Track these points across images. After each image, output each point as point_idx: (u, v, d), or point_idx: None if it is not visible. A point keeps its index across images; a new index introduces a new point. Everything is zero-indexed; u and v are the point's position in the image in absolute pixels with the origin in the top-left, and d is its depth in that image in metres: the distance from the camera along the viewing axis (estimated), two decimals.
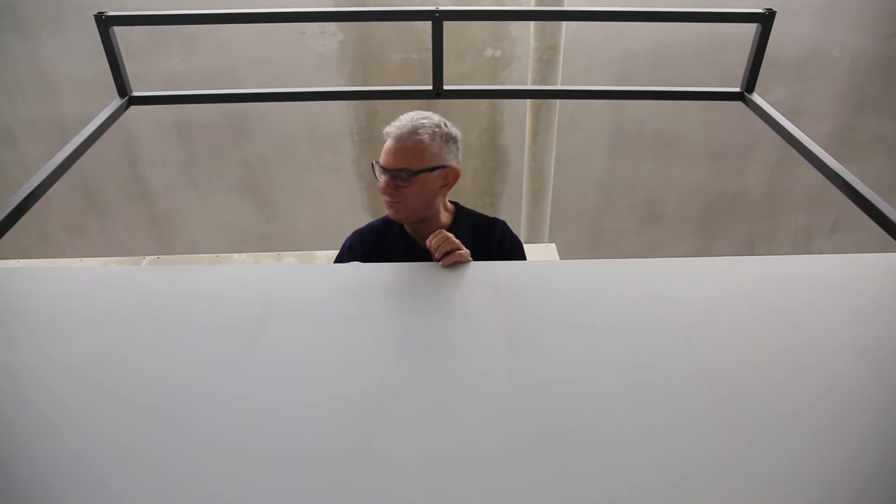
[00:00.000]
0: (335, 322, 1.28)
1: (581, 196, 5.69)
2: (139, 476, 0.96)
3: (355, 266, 1.52)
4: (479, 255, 1.56)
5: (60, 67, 4.85)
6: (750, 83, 2.35)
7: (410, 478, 0.96)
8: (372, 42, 4.83)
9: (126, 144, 5.24)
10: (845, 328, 1.25)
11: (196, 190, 5.53)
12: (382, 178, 1.65)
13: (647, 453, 0.99)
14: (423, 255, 1.68)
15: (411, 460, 0.98)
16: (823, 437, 1.01)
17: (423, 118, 1.68)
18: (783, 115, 2.21)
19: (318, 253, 3.83)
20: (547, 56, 4.00)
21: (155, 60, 4.80)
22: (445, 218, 1.79)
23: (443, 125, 1.69)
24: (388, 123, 1.72)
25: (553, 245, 3.60)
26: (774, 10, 2.20)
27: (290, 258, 3.80)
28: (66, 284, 1.42)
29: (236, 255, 3.81)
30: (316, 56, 4.86)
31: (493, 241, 1.81)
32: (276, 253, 3.77)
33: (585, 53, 4.79)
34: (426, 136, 1.63)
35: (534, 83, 4.14)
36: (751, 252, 6.11)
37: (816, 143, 2.06)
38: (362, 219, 5.58)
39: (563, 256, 3.59)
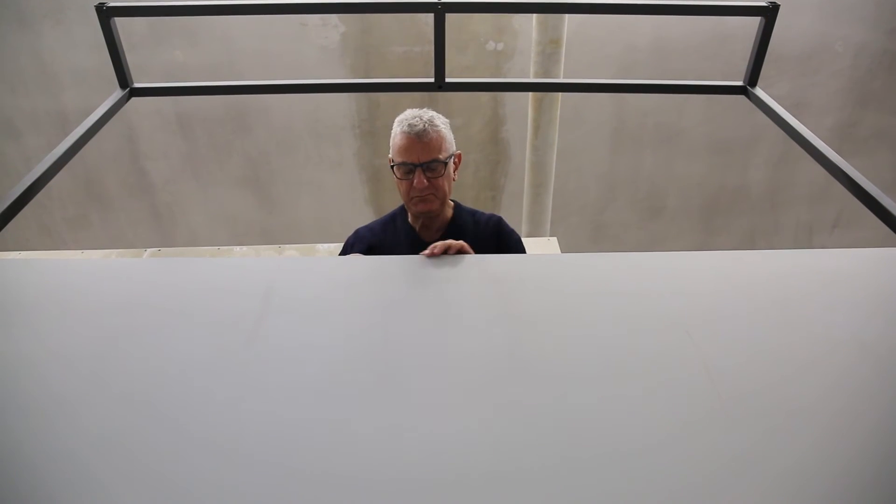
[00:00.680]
0: (337, 315, 1.28)
1: (583, 190, 5.69)
2: (136, 471, 0.96)
3: (357, 259, 1.52)
4: (479, 251, 1.57)
5: (62, 59, 4.85)
6: (753, 77, 2.35)
7: (412, 473, 0.96)
8: (374, 34, 4.82)
9: (127, 136, 5.23)
10: (847, 323, 1.25)
11: (197, 182, 5.53)
12: (414, 175, 1.69)
13: (648, 448, 0.99)
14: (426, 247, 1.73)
15: (412, 455, 0.99)
16: (828, 434, 1.01)
17: (431, 113, 1.75)
18: (786, 109, 2.21)
19: (319, 246, 3.83)
20: (549, 49, 3.99)
21: (156, 52, 4.79)
22: (448, 212, 1.85)
23: (441, 117, 1.78)
24: (395, 120, 1.76)
25: (554, 239, 3.59)
26: (778, 3, 2.19)
27: (291, 251, 3.80)
28: (66, 276, 1.42)
29: (237, 248, 3.81)
30: (317, 48, 4.85)
31: (491, 236, 1.84)
32: (278, 246, 3.77)
33: (588, 47, 4.78)
34: (442, 127, 1.73)
35: (536, 76, 4.13)
36: (752, 247, 6.10)
37: (819, 137, 2.05)
38: (364, 212, 5.59)
39: (564, 250, 3.59)
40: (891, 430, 1.02)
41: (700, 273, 1.40)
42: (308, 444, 0.99)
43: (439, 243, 1.46)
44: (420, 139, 1.68)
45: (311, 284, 1.38)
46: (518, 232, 1.99)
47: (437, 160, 1.69)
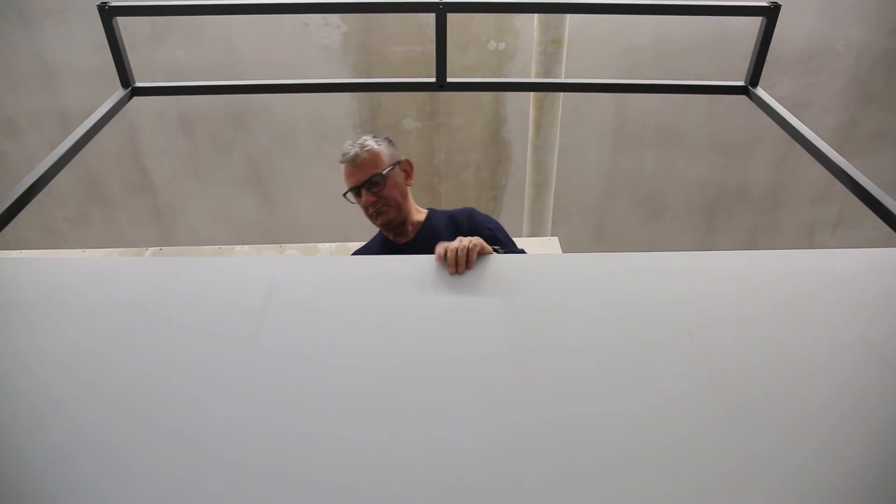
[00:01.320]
0: (338, 314, 1.28)
1: (584, 190, 5.68)
2: (133, 474, 0.95)
3: (358, 259, 1.52)
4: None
5: (63, 58, 4.85)
6: (754, 77, 2.34)
7: (413, 471, 0.96)
8: (375, 34, 4.81)
9: (129, 136, 5.23)
10: (851, 324, 1.25)
11: (199, 181, 5.52)
12: (361, 196, 1.87)
13: (650, 448, 0.99)
14: (403, 251, 1.88)
15: (413, 453, 0.98)
16: (833, 436, 1.01)
17: (363, 137, 1.93)
18: (787, 109, 2.20)
19: (320, 245, 3.83)
20: (550, 49, 3.98)
21: (158, 52, 4.79)
22: (419, 216, 1.98)
23: (377, 136, 1.95)
24: (344, 147, 1.96)
25: (556, 239, 3.59)
26: (780, 3, 2.19)
27: (292, 250, 3.80)
28: (68, 275, 1.42)
29: (239, 247, 3.81)
30: (319, 48, 4.85)
31: (467, 228, 1.88)
32: (279, 245, 3.77)
33: (589, 47, 4.77)
34: (374, 145, 1.90)
35: (537, 76, 4.13)
36: (753, 247, 6.09)
37: (820, 137, 2.05)
38: None
39: (565, 250, 3.58)
40: None
41: (702, 273, 1.40)
42: (307, 450, 0.99)
43: (450, 248, 1.41)
44: (354, 163, 1.87)
45: (312, 284, 1.38)
46: (519, 232, 2.00)
47: (375, 174, 1.85)
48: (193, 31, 4.76)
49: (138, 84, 2.33)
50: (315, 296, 1.33)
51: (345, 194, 1.91)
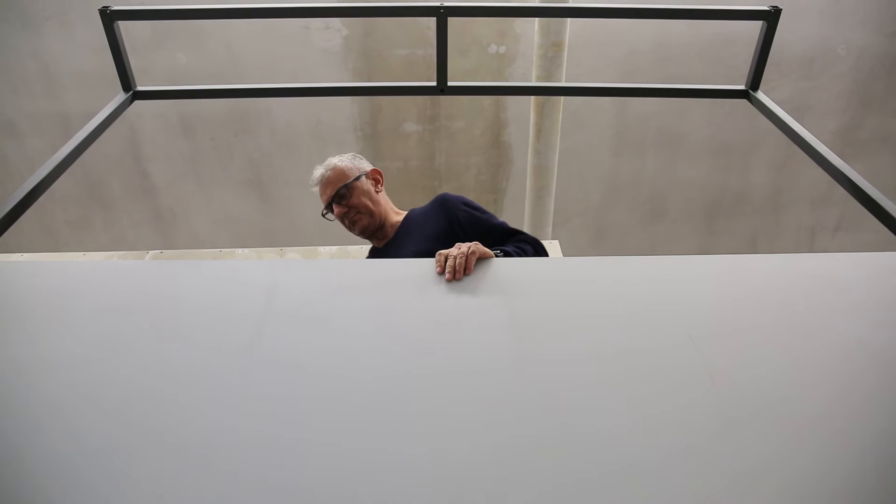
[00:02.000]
0: (338, 317, 1.28)
1: (584, 193, 5.68)
2: (130, 480, 0.95)
3: (358, 262, 1.52)
4: (431, 231, 1.79)
5: (65, 61, 4.85)
6: (755, 81, 2.35)
7: (413, 475, 0.96)
8: (376, 38, 4.82)
9: (130, 139, 5.24)
10: (853, 328, 1.24)
11: (199, 185, 5.53)
12: (334, 211, 1.98)
13: (652, 457, 0.98)
14: (387, 253, 1.99)
15: (414, 457, 0.98)
16: (835, 442, 1.00)
17: (328, 159, 2.05)
18: (788, 112, 2.20)
19: (321, 248, 3.83)
20: (551, 53, 3.99)
21: (159, 55, 4.80)
22: (398, 217, 2.06)
23: (340, 156, 2.06)
24: (322, 162, 2.05)
25: (556, 242, 3.59)
26: (780, 7, 2.19)
27: (293, 253, 3.80)
28: (69, 278, 1.42)
29: (239, 251, 3.81)
30: (320, 51, 4.85)
31: (437, 213, 1.91)
32: (280, 248, 3.77)
33: (590, 51, 4.78)
34: (338, 162, 2.02)
35: (538, 80, 4.13)
36: (753, 250, 6.09)
37: (821, 141, 2.05)
38: None
39: (566, 253, 3.58)
40: None
41: (702, 277, 1.40)
42: (304, 458, 0.98)
43: (449, 256, 1.42)
44: (321, 183, 1.99)
45: (312, 287, 1.38)
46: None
47: (340, 188, 1.96)
48: (194, 34, 4.77)
49: (139, 88, 2.33)
50: (315, 301, 1.33)
51: (323, 214, 2.03)
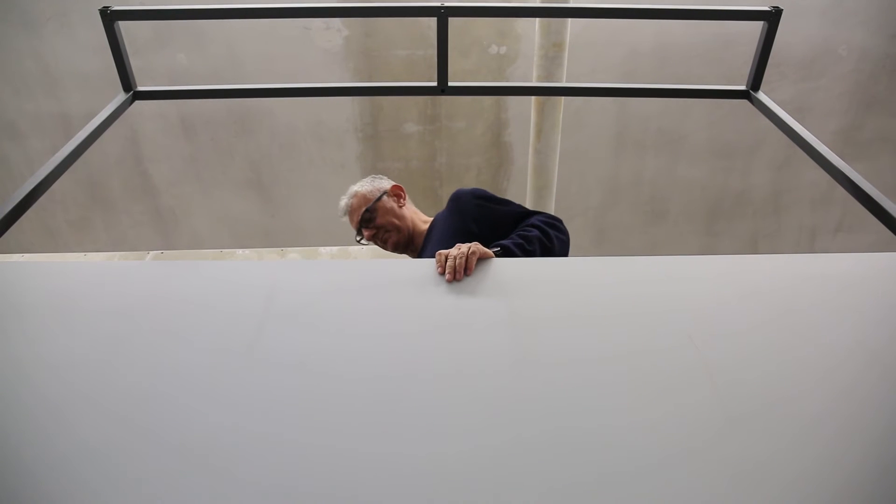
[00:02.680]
0: (339, 318, 1.28)
1: (585, 193, 5.68)
2: (130, 482, 0.95)
3: (358, 262, 1.52)
4: (460, 229, 1.78)
5: (65, 62, 4.85)
6: (756, 81, 2.35)
7: (413, 476, 0.96)
8: (377, 38, 4.82)
9: (130, 139, 5.24)
10: (853, 329, 1.24)
11: (200, 185, 5.53)
12: (365, 235, 2.06)
13: (653, 459, 0.98)
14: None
15: (414, 458, 0.98)
16: (835, 443, 1.00)
17: (349, 189, 2.13)
18: (789, 113, 2.20)
19: (322, 249, 3.83)
20: (552, 53, 3.98)
21: (160, 55, 4.80)
22: (425, 227, 2.10)
23: (361, 182, 2.15)
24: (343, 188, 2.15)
25: None
26: (781, 7, 2.19)
27: (293, 254, 3.80)
28: (69, 278, 1.42)
29: (240, 251, 3.82)
30: (320, 52, 4.85)
31: (454, 212, 1.89)
32: (280, 249, 3.77)
33: (591, 51, 4.78)
34: (358, 188, 2.11)
35: (539, 80, 4.13)
36: (754, 251, 6.09)
37: (822, 141, 2.05)
38: None
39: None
40: None
41: (703, 278, 1.40)
42: (304, 460, 0.98)
43: (449, 256, 1.42)
44: (347, 212, 2.09)
45: (313, 287, 1.37)
46: None
47: (365, 212, 2.03)
48: (195, 35, 4.77)
49: (140, 88, 2.34)
50: (315, 301, 1.33)
51: (358, 241, 2.10)
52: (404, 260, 1.53)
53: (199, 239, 5.81)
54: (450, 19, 2.22)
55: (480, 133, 5.29)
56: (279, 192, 5.58)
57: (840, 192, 2.01)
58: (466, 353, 1.19)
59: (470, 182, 5.49)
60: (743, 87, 2.39)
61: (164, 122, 5.16)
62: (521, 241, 1.68)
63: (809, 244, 6.06)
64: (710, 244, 6.02)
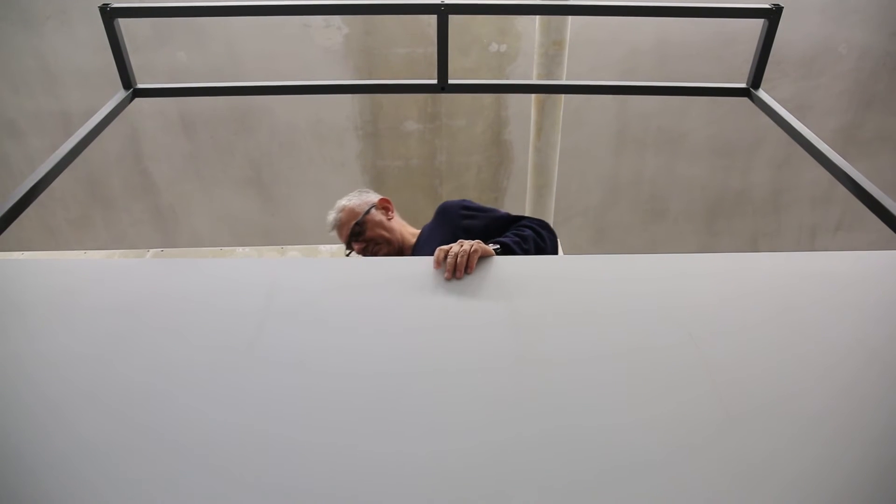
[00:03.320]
0: (339, 316, 1.28)
1: (585, 192, 5.68)
2: (129, 480, 0.95)
3: (358, 260, 1.52)
4: (450, 241, 1.70)
5: (65, 59, 4.85)
6: (756, 79, 2.34)
7: (414, 474, 0.96)
8: (377, 36, 4.82)
9: (130, 137, 5.24)
10: (853, 327, 1.24)
11: (200, 183, 5.53)
12: (355, 248, 2.07)
13: (653, 457, 0.98)
14: None
15: (414, 455, 0.98)
16: (836, 441, 1.00)
17: (337, 202, 2.14)
18: (789, 111, 2.20)
19: (321, 247, 3.83)
20: (552, 51, 3.98)
21: (159, 53, 4.80)
22: (413, 239, 2.13)
23: (348, 196, 2.16)
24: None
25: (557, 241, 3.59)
26: (782, 5, 2.19)
27: (293, 252, 3.80)
28: (69, 276, 1.42)
29: (240, 249, 3.81)
30: (321, 50, 4.85)
31: (445, 223, 1.93)
32: (280, 247, 3.77)
33: (591, 49, 4.77)
34: (346, 202, 2.12)
35: (539, 78, 4.13)
36: (755, 249, 6.09)
37: (822, 140, 2.05)
38: None
39: (566, 252, 3.59)
40: None
41: (703, 275, 1.40)
42: (303, 458, 0.98)
43: (449, 253, 1.41)
44: (336, 226, 2.10)
45: (313, 285, 1.37)
46: None
47: (354, 226, 2.05)
48: (195, 32, 4.76)
49: (140, 85, 2.33)
50: (315, 299, 1.33)
51: (347, 254, 2.09)
52: (404, 258, 1.53)
53: (199, 237, 5.81)
54: (450, 17, 2.22)
55: (480, 131, 5.29)
56: (279, 190, 5.58)
57: (840, 190, 2.00)
58: (467, 350, 1.19)
59: (470, 180, 5.49)
60: (743, 85, 2.39)
61: (164, 120, 5.16)
62: (518, 239, 1.70)
63: (810, 243, 6.06)
64: (710, 243, 6.02)
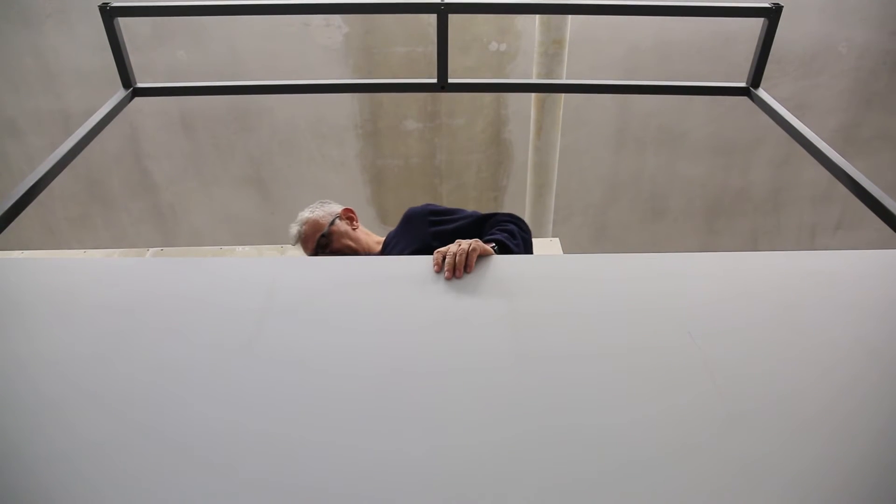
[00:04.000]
0: (339, 315, 1.28)
1: (585, 191, 5.68)
2: (129, 478, 0.95)
3: (357, 259, 1.52)
4: (421, 248, 1.75)
5: (65, 58, 4.85)
6: (756, 78, 2.34)
7: (413, 472, 0.96)
8: (377, 35, 4.81)
9: (130, 136, 5.24)
10: (853, 326, 1.24)
11: (200, 182, 5.53)
12: None
13: (653, 455, 0.98)
14: None
15: (414, 454, 0.98)
16: (836, 440, 1.00)
17: (299, 215, 2.14)
18: (789, 110, 2.20)
19: None
20: (552, 50, 3.98)
21: (159, 52, 4.80)
22: (378, 248, 2.12)
23: (310, 207, 2.16)
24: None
25: (557, 240, 3.58)
26: (781, 5, 2.19)
27: (293, 251, 3.79)
28: (69, 275, 1.42)
29: (240, 248, 3.81)
30: (320, 49, 4.85)
31: (412, 230, 1.90)
32: (280, 245, 3.76)
33: (591, 48, 4.77)
34: (309, 215, 2.12)
35: (539, 77, 4.13)
36: (754, 248, 6.09)
37: (822, 138, 2.05)
38: (366, 212, 5.59)
39: (566, 251, 3.58)
40: None
41: (703, 274, 1.40)
42: (303, 457, 0.98)
43: (448, 253, 1.41)
44: (301, 239, 2.11)
45: (313, 284, 1.37)
46: None
47: (320, 238, 2.05)
48: (195, 31, 4.76)
49: (140, 84, 2.33)
50: (315, 298, 1.33)
51: None
52: (404, 257, 1.53)
53: (198, 236, 5.81)
54: (450, 16, 2.22)
55: (480, 130, 5.29)
56: (279, 189, 5.58)
57: (840, 189, 2.01)
58: (466, 349, 1.19)
59: (470, 179, 5.48)
60: (743, 84, 2.39)
61: (163, 118, 5.16)
62: (507, 234, 1.70)
63: (809, 241, 6.06)
64: (710, 242, 6.02)
